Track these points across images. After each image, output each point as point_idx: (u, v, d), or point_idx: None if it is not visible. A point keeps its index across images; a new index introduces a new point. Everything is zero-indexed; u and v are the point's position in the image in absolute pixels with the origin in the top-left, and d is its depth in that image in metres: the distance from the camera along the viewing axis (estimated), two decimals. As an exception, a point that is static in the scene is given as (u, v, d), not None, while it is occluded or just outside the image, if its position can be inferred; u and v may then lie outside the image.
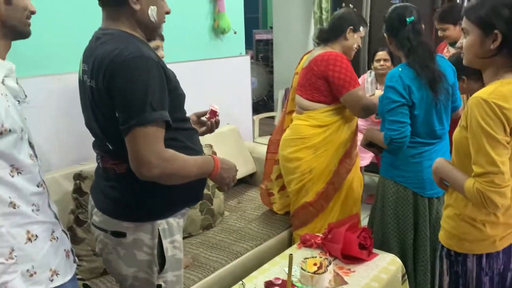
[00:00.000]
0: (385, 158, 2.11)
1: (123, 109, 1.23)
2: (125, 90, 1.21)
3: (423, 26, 2.05)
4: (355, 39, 2.31)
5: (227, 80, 3.19)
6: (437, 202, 2.06)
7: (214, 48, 3.19)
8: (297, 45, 4.75)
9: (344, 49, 2.33)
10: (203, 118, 1.67)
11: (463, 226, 1.41)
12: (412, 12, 1.99)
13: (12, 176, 1.10)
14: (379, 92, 2.52)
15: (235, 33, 3.24)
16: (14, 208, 1.10)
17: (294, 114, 2.48)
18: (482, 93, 1.28)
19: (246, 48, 7.50)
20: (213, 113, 1.62)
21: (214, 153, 2.76)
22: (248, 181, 3.23)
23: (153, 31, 1.38)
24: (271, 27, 5.96)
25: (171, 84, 1.32)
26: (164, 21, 1.40)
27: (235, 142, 3.18)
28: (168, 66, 2.88)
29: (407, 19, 1.96)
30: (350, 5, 4.12)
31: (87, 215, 1.82)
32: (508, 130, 1.25)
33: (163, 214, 1.40)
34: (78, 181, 2.07)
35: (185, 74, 2.98)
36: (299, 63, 2.55)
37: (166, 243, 1.40)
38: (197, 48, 3.08)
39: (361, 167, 3.32)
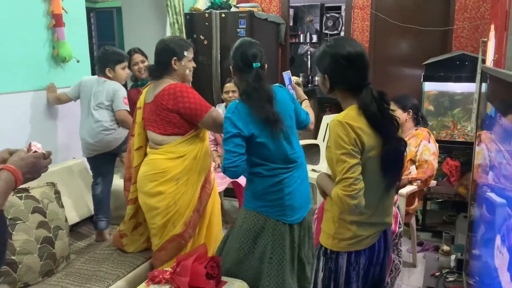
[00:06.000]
0: (248, 191, 2.14)
1: None
2: None
3: (266, 66, 2.13)
4: (184, 66, 2.34)
5: (73, 109, 2.99)
6: (297, 227, 2.13)
7: (54, 78, 2.97)
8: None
9: (180, 77, 2.36)
10: None
11: (337, 227, 1.62)
12: (258, 56, 2.05)
13: None
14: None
15: (78, 61, 3.07)
16: None
17: (148, 149, 2.41)
18: (337, 117, 1.54)
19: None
20: (31, 146, 1.41)
21: (57, 192, 2.54)
22: (99, 218, 3.03)
23: None
24: (127, 55, 5.82)
25: None
26: None
27: (83, 177, 2.97)
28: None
29: (254, 64, 2.03)
30: (201, 36, 4.24)
31: None
32: (358, 143, 1.50)
33: None
34: None
35: (19, 106, 2.76)
36: (139, 98, 2.50)
37: None
38: (33, 77, 2.83)
39: (219, 192, 3.41)
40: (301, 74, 6.75)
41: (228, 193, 3.91)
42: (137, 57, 3.52)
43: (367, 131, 1.53)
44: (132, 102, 3.48)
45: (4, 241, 1.33)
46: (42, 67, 2.91)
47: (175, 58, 2.29)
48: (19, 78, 2.74)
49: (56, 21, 2.90)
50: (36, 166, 1.31)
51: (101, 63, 2.85)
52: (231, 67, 2.15)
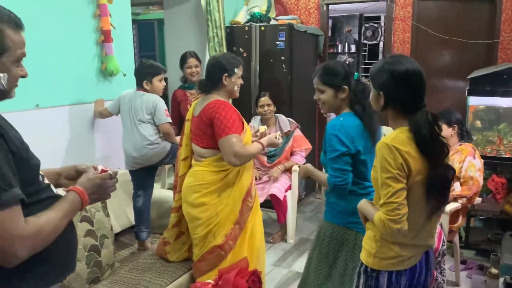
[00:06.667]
0: (338, 206, 2.10)
1: None
2: None
3: None
4: (233, 82, 2.39)
5: (115, 121, 3.08)
6: None
7: (103, 91, 3.11)
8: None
9: (228, 93, 2.42)
10: None
11: (379, 246, 1.61)
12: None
13: None
14: (263, 128, 2.64)
15: (124, 75, 3.19)
16: None
17: (193, 161, 2.47)
18: (385, 139, 1.54)
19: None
20: (104, 172, 1.44)
21: (104, 201, 2.64)
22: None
23: (1, 97, 1.25)
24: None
25: (19, 156, 1.18)
26: (17, 86, 1.26)
27: (125, 188, 3.06)
28: (50, 110, 2.75)
29: (356, 74, 2.08)
30: (241, 49, 4.30)
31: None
32: (405, 167, 1.49)
33: None
34: None
35: (71, 118, 2.89)
36: (189, 110, 2.56)
37: None
38: (83, 91, 2.97)
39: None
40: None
41: (264, 204, 3.91)
42: (192, 61, 3.64)
43: (415, 155, 1.51)
44: (176, 102, 3.61)
45: (75, 249, 1.39)
46: (91, 81, 3.04)
47: (226, 74, 2.35)
48: (68, 92, 2.87)
49: (105, 37, 3.03)
50: (102, 187, 1.36)
51: (139, 76, 2.93)
52: (344, 88, 2.05)
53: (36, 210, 1.21)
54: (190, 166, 2.51)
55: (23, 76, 1.26)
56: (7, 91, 1.22)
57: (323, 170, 2.28)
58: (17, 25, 1.20)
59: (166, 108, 2.88)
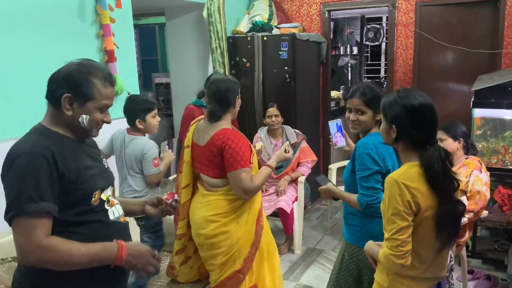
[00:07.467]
0: (361, 228, 2.09)
1: (6, 200, 1.32)
2: (7, 183, 1.33)
3: None
4: (239, 102, 2.41)
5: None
6: None
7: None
8: (195, 89, 4.69)
9: (235, 114, 2.41)
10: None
11: (390, 279, 1.63)
12: None
13: None
14: (259, 145, 2.64)
15: (129, 93, 3.19)
16: None
17: (205, 191, 2.40)
18: (394, 174, 1.54)
19: (146, 90, 7.29)
20: (171, 194, 1.63)
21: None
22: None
23: (83, 134, 1.47)
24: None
25: (68, 179, 1.35)
26: (99, 127, 1.48)
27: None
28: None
29: None
30: (244, 59, 4.30)
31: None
32: (413, 204, 1.50)
33: None
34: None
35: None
36: (187, 135, 2.49)
37: None
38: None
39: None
40: (341, 87, 6.70)
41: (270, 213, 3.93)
42: None
43: (424, 191, 1.52)
44: (191, 118, 3.46)
45: (117, 273, 1.46)
46: (96, 101, 3.04)
47: (237, 96, 2.36)
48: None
49: (109, 57, 3.04)
50: (146, 264, 1.44)
51: (130, 114, 2.68)
52: (377, 110, 2.00)
53: (80, 229, 1.38)
54: (193, 193, 2.49)
55: (107, 122, 1.49)
56: (88, 129, 1.44)
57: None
58: (108, 81, 1.45)
59: (156, 156, 2.66)
